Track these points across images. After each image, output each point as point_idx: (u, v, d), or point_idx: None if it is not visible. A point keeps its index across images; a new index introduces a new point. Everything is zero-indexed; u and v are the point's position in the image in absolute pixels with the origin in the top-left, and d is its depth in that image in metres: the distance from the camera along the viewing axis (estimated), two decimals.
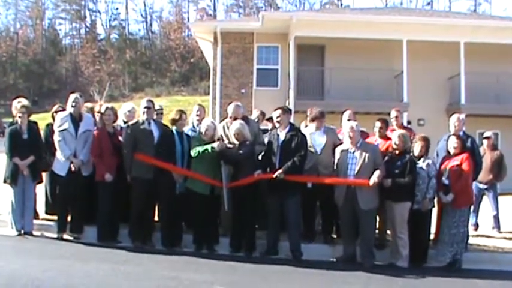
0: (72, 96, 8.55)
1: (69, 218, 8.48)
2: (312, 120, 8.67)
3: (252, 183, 7.97)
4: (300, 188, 8.03)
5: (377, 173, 7.55)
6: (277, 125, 8.15)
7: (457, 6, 64.26)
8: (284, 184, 7.74)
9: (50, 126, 8.89)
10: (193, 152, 8.02)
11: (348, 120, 8.74)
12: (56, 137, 8.35)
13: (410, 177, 7.63)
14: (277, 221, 8.10)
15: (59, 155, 8.38)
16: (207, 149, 7.93)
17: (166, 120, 8.93)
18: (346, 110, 9.12)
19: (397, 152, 7.88)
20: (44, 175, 8.97)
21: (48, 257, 7.42)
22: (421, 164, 7.87)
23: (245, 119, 8.59)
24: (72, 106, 8.41)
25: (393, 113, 9.16)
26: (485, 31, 19.86)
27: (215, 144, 7.95)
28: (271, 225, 8.15)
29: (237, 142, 8.11)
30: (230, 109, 8.72)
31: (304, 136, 8.11)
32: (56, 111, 8.96)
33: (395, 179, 7.61)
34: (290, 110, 8.51)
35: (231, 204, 8.13)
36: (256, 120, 9.38)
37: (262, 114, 9.83)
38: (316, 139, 8.50)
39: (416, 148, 7.99)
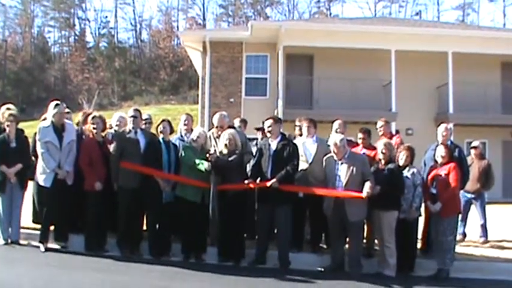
0: (55, 106, 8.28)
1: (52, 227, 8.36)
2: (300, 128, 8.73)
3: (240, 191, 8.00)
4: (292, 198, 8.02)
5: (368, 184, 7.51)
6: (268, 134, 8.17)
7: (446, 17, 64.77)
8: (276, 193, 7.75)
9: None
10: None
11: (336, 130, 8.74)
12: (39, 149, 8.18)
13: (397, 186, 7.66)
14: (267, 229, 8.13)
15: (41, 166, 8.23)
16: (199, 169, 7.95)
17: (155, 129, 8.90)
18: (337, 119, 9.11)
19: (383, 162, 7.90)
20: (31, 184, 8.82)
21: (36, 266, 7.39)
22: (406, 173, 7.92)
23: (231, 128, 8.59)
24: (53, 116, 8.19)
25: (379, 123, 9.22)
26: (473, 41, 20.06)
27: (207, 165, 7.93)
28: (260, 234, 8.17)
29: (225, 151, 8.11)
30: (215, 119, 8.75)
31: (295, 146, 8.15)
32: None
33: (383, 188, 7.60)
34: (281, 120, 8.53)
35: (217, 213, 8.12)
36: (239, 128, 9.40)
37: (244, 121, 9.87)
38: (307, 148, 8.49)
39: (401, 158, 8.03)
